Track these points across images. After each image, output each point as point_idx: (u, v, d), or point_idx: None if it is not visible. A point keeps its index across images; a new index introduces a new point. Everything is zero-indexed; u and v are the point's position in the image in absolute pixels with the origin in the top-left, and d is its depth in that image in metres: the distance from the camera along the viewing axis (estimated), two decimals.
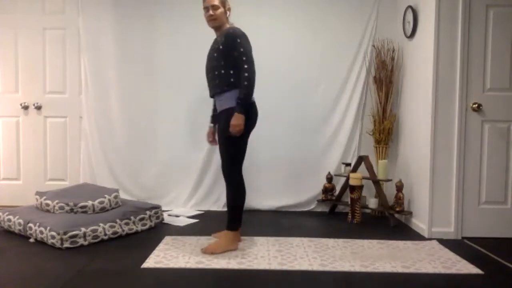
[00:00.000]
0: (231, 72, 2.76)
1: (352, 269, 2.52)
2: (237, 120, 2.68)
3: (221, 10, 2.85)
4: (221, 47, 2.77)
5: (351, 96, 4.06)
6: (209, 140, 3.20)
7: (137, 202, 3.65)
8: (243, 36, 2.75)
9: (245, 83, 2.68)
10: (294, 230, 3.41)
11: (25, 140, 4.21)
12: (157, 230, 3.34)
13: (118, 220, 3.16)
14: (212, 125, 3.18)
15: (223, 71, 2.77)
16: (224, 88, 2.78)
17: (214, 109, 3.14)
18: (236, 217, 2.85)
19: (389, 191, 3.94)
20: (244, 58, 2.70)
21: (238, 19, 4.03)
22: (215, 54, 2.81)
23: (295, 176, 4.09)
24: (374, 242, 3.08)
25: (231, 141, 2.77)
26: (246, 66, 2.69)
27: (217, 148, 4.10)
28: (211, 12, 2.83)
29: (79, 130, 4.19)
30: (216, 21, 2.86)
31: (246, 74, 2.68)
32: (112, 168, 4.14)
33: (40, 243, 2.98)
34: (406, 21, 3.74)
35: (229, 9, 2.93)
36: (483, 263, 2.67)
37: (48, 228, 2.90)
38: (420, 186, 3.41)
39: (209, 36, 4.04)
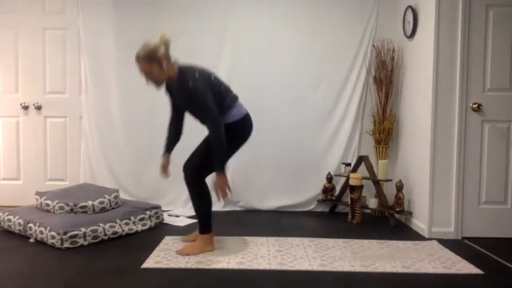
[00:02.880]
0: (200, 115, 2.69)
1: (352, 269, 2.52)
2: (221, 183, 2.55)
3: (154, 74, 2.61)
4: (179, 95, 2.67)
5: (351, 96, 4.06)
6: (162, 172, 2.98)
7: (137, 202, 3.66)
8: (195, 80, 2.57)
9: (215, 147, 2.56)
10: (294, 230, 3.41)
11: (25, 140, 4.21)
12: (157, 230, 3.34)
13: (118, 220, 3.16)
14: (167, 153, 2.98)
15: (193, 116, 2.76)
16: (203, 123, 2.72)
17: (172, 136, 3.02)
18: (207, 220, 2.80)
19: (389, 191, 3.93)
20: (200, 108, 2.58)
21: (238, 19, 4.05)
22: (179, 98, 2.73)
23: (295, 176, 4.09)
24: (374, 242, 3.08)
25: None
26: (208, 117, 2.57)
27: None
28: (146, 79, 2.65)
29: (79, 130, 4.19)
30: (157, 82, 2.67)
31: (213, 134, 2.56)
32: (112, 168, 4.14)
33: (40, 243, 2.98)
34: (406, 21, 3.74)
35: (163, 59, 2.60)
36: (483, 263, 2.67)
37: (48, 228, 2.90)
38: (420, 186, 3.41)
39: (209, 36, 4.06)
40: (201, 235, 2.83)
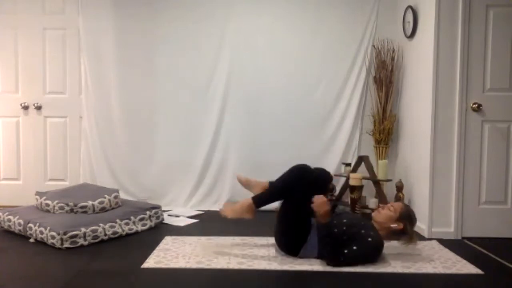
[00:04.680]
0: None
1: (352, 269, 2.52)
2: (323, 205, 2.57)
3: (389, 216, 2.64)
4: (362, 231, 2.60)
5: (351, 96, 4.06)
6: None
7: (137, 202, 3.66)
8: (374, 250, 2.61)
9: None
10: None
11: (25, 140, 4.21)
12: (157, 230, 3.34)
13: (118, 220, 3.16)
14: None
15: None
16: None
17: None
18: (266, 201, 2.72)
19: (389, 191, 3.93)
20: (349, 256, 2.54)
21: (238, 19, 4.05)
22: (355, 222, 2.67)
23: None
24: None
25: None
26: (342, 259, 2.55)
27: (216, 147, 4.12)
28: (381, 206, 2.74)
29: (79, 130, 4.19)
30: (377, 216, 2.69)
31: (330, 256, 2.57)
32: (112, 168, 4.14)
33: (40, 243, 2.98)
34: (406, 21, 3.74)
35: (402, 230, 2.64)
36: (483, 263, 2.67)
37: (48, 228, 2.90)
38: (420, 186, 3.41)
39: (209, 36, 4.06)
40: (251, 201, 2.69)
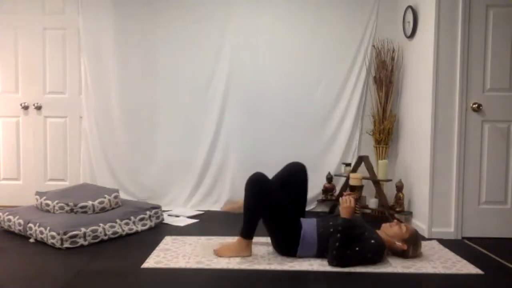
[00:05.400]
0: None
1: (352, 269, 2.52)
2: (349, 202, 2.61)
3: (399, 233, 2.66)
4: (365, 233, 2.62)
5: (351, 96, 4.06)
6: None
7: (137, 202, 3.66)
8: (376, 253, 2.59)
9: (334, 252, 2.52)
10: None
11: (25, 140, 4.21)
12: (157, 230, 3.34)
13: (118, 220, 3.16)
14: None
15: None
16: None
17: None
18: (252, 227, 2.70)
19: (389, 191, 3.93)
20: (350, 256, 2.53)
21: (238, 19, 4.05)
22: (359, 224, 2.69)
23: None
24: None
25: None
26: (350, 256, 2.53)
27: (216, 147, 4.13)
28: (395, 222, 2.74)
29: (79, 130, 4.19)
30: (387, 229, 2.71)
31: (331, 257, 2.54)
32: (112, 168, 4.14)
33: (40, 243, 2.98)
34: (406, 21, 3.74)
35: (409, 248, 2.66)
36: (483, 263, 2.67)
37: (48, 228, 2.90)
38: (420, 186, 3.41)
39: (209, 36, 4.06)
40: (241, 238, 2.71)
